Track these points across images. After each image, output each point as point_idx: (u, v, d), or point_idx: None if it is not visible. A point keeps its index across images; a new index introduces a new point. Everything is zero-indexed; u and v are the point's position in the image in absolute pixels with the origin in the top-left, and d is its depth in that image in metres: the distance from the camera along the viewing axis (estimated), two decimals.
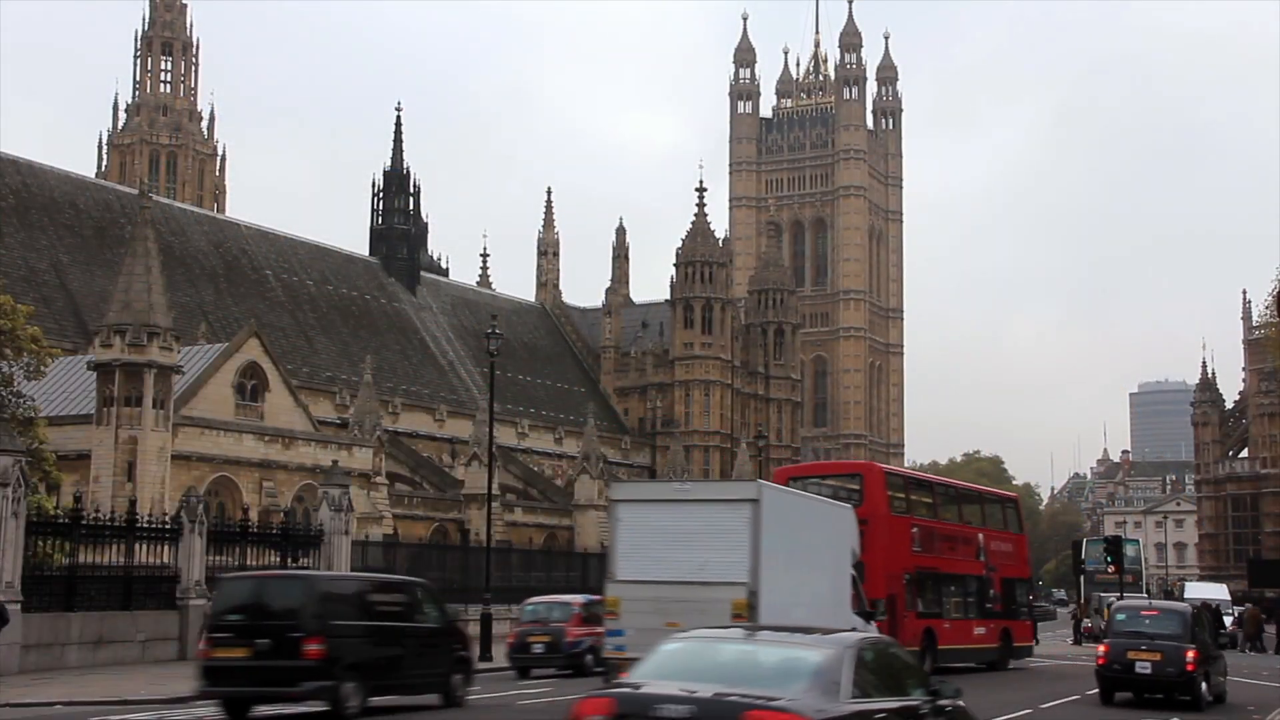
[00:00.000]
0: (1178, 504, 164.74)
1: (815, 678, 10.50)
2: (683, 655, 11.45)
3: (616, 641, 20.91)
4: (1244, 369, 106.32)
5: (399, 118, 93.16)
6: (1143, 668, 24.48)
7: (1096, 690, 26.14)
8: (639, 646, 16.62)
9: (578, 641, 30.72)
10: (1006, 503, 41.65)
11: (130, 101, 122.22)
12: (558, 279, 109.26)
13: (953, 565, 33.46)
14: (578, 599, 33.01)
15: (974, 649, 33.99)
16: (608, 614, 21.75)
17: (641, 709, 10.20)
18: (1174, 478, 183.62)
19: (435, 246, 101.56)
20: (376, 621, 20.65)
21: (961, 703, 12.38)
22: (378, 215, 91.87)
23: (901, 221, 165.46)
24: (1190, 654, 24.26)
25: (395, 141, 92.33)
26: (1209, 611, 30.41)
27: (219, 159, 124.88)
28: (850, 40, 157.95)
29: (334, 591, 20.87)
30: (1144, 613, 27.05)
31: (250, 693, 19.14)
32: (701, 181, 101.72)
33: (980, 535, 35.20)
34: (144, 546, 31.85)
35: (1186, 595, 64.24)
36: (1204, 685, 24.52)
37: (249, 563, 35.46)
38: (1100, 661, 25.34)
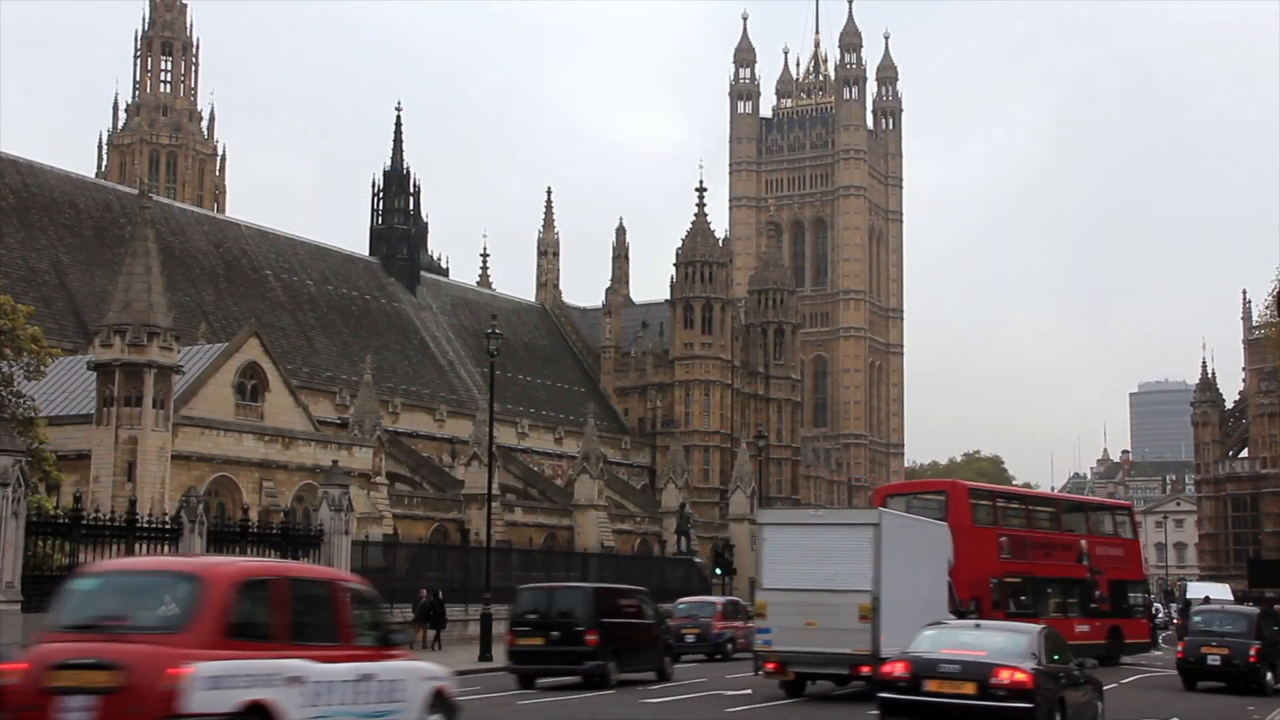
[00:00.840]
0: (1178, 504, 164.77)
1: (1027, 649, 17.43)
2: (938, 638, 18.22)
3: (765, 637, 25.14)
4: (1244, 369, 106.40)
5: (399, 118, 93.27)
6: (1213, 660, 29.22)
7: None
8: (782, 641, 24.47)
9: (721, 633, 39.44)
10: (1117, 511, 44.59)
11: (130, 101, 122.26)
12: (558, 279, 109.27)
13: (1050, 570, 36.90)
14: (720, 600, 43.21)
15: (1077, 645, 36.63)
16: (757, 615, 25.95)
17: (929, 668, 17.21)
18: (1174, 478, 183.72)
19: (435, 246, 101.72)
20: (623, 619, 28.27)
21: (1091, 671, 19.53)
22: (378, 215, 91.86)
23: (901, 221, 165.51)
24: (1254, 649, 28.97)
25: (395, 141, 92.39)
26: (1272, 613, 34.33)
27: (219, 159, 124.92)
28: (850, 40, 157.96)
29: (601, 597, 28.19)
30: (1216, 614, 32.06)
31: (544, 669, 27.35)
32: (701, 181, 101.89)
33: (1083, 541, 38.35)
34: (144, 547, 31.80)
35: (1189, 595, 64.41)
36: (1268, 675, 29.02)
37: None
38: (1179, 656, 30.55)
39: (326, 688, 12.62)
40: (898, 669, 17.47)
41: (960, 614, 27.62)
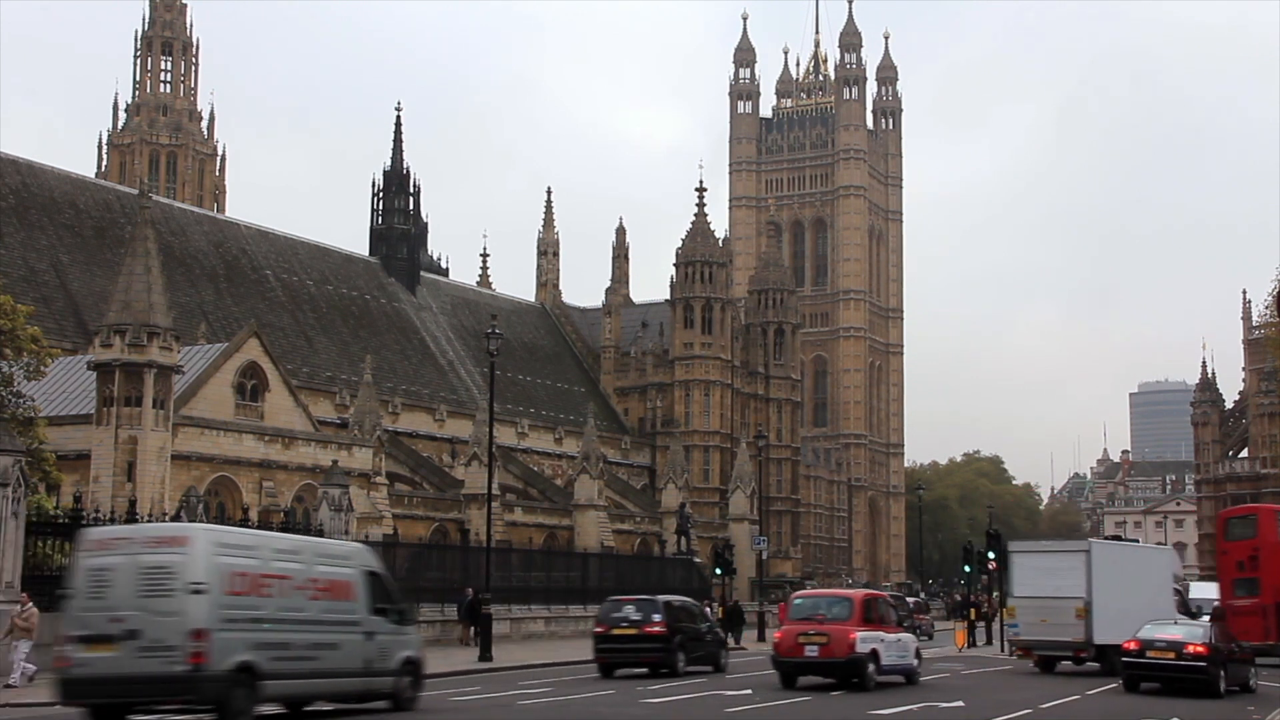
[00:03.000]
0: (1178, 504, 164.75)
1: (1204, 634, 28.18)
2: (1154, 629, 28.81)
3: (1014, 631, 35.71)
4: (1244, 369, 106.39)
5: (399, 118, 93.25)
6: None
7: (1101, 689, 27.53)
8: (1026, 633, 34.27)
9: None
10: None
11: (130, 101, 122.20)
12: (558, 279, 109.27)
13: None
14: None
15: None
16: (1008, 615, 37.51)
17: (1149, 644, 27.98)
18: (1174, 478, 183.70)
19: (435, 246, 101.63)
20: (687, 623, 33.53)
21: None
22: (378, 215, 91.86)
23: (901, 221, 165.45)
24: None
25: (395, 141, 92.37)
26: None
27: (219, 159, 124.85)
28: (850, 40, 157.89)
29: (671, 603, 33.73)
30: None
31: (626, 661, 32.28)
32: (701, 181, 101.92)
33: None
34: None
35: (1192, 596, 64.49)
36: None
37: None
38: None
39: (891, 644, 28.27)
40: (1131, 645, 28.19)
41: (1190, 614, 37.52)
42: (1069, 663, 34.33)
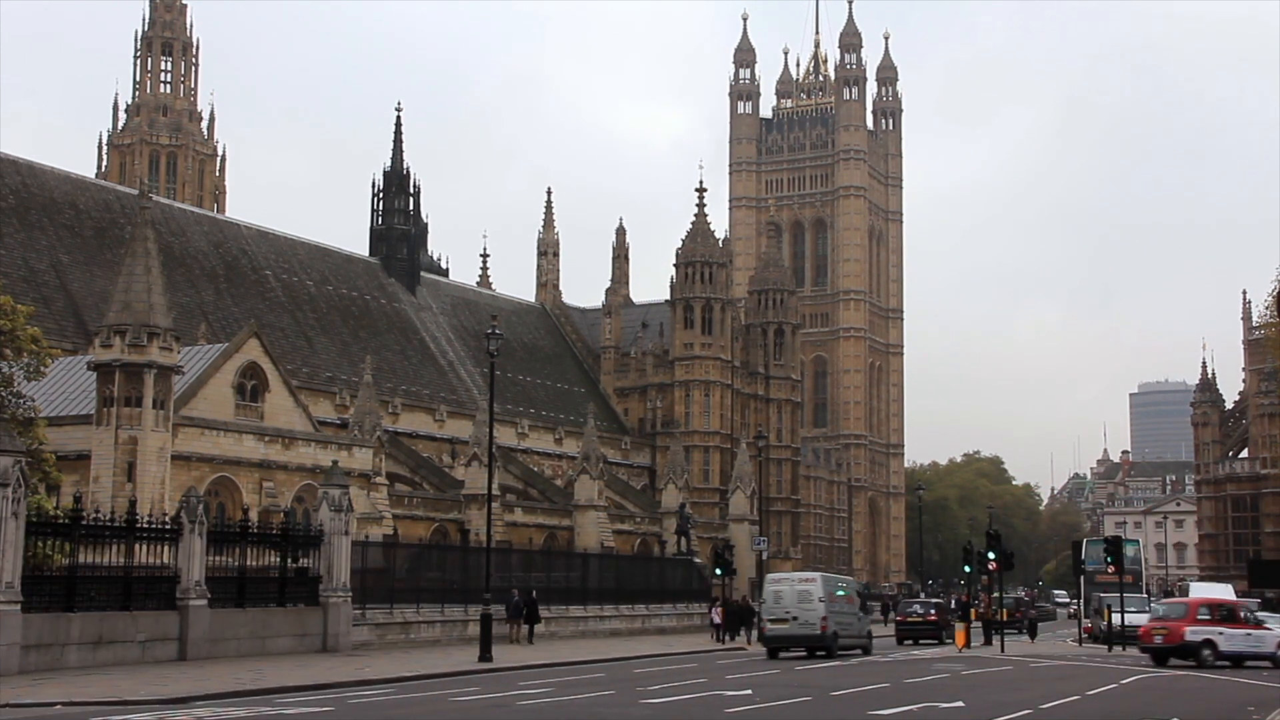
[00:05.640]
0: (1178, 504, 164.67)
1: None
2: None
3: None
4: (1244, 369, 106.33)
5: (399, 118, 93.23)
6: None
7: (1101, 689, 27.16)
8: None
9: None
10: None
11: (130, 101, 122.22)
12: (558, 279, 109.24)
13: None
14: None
15: None
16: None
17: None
18: (1174, 478, 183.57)
19: (435, 246, 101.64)
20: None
21: None
22: (378, 215, 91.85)
23: (901, 222, 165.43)
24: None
25: (395, 141, 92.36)
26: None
27: (219, 159, 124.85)
28: (850, 40, 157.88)
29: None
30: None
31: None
32: (701, 182, 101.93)
33: None
34: (144, 547, 31.83)
35: (1192, 596, 64.50)
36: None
37: (249, 564, 35.44)
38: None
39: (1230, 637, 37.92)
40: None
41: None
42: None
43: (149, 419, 43.57)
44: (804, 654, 42.05)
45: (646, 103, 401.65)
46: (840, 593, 45.07)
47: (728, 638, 53.15)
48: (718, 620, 53.82)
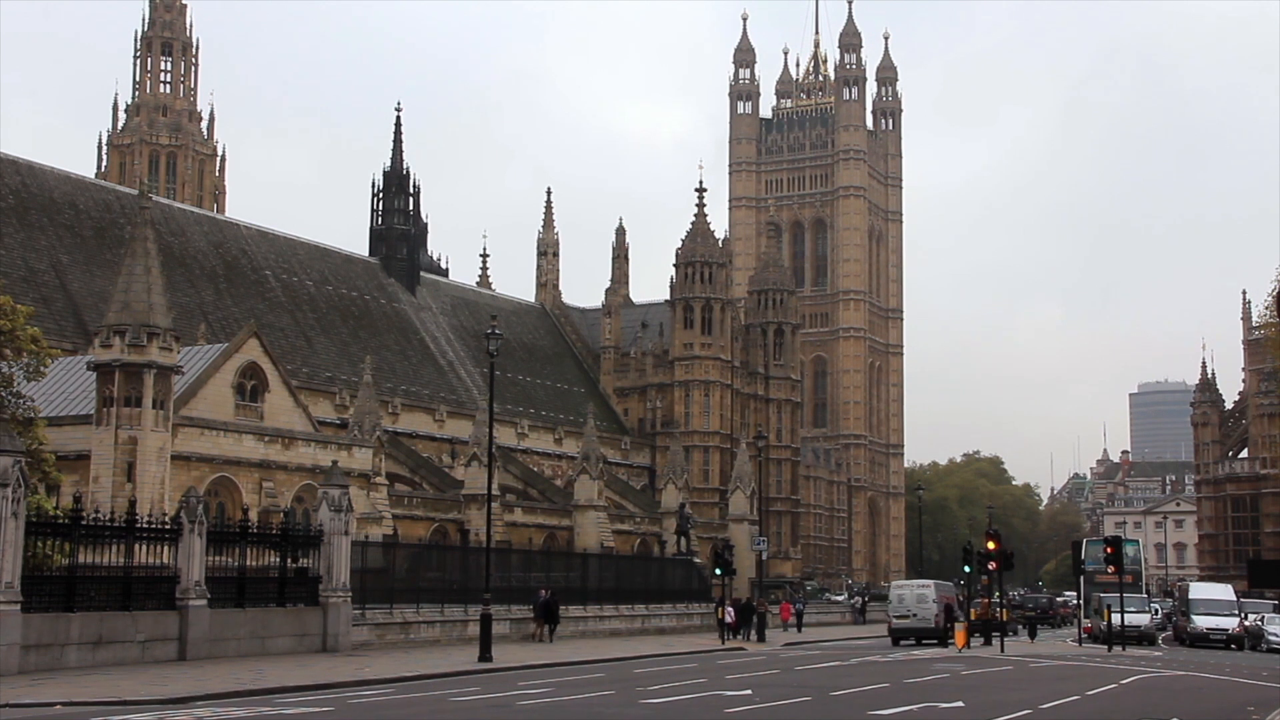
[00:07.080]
0: (1177, 504, 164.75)
1: None
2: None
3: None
4: (1244, 369, 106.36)
5: (399, 118, 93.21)
6: None
7: (1101, 689, 27.48)
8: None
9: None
10: None
11: (130, 101, 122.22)
12: (558, 279, 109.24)
13: None
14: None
15: None
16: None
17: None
18: (1174, 478, 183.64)
19: (435, 246, 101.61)
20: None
21: None
22: (377, 216, 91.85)
23: (901, 222, 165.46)
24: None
25: (395, 142, 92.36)
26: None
27: (219, 159, 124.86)
28: (850, 40, 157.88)
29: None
30: None
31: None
32: (701, 182, 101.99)
33: None
34: (144, 547, 31.79)
35: (1191, 595, 64.76)
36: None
37: (248, 564, 35.42)
38: None
39: None
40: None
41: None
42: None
43: (149, 419, 43.53)
44: (913, 642, 54.30)
45: (647, 102, 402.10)
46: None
47: (731, 637, 53.14)
48: (730, 619, 53.61)
